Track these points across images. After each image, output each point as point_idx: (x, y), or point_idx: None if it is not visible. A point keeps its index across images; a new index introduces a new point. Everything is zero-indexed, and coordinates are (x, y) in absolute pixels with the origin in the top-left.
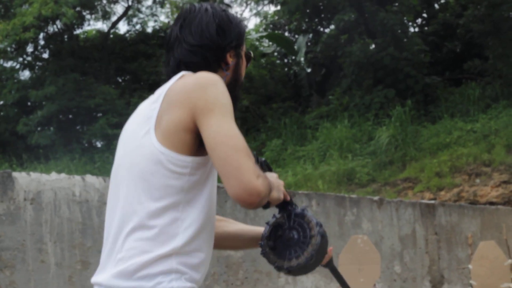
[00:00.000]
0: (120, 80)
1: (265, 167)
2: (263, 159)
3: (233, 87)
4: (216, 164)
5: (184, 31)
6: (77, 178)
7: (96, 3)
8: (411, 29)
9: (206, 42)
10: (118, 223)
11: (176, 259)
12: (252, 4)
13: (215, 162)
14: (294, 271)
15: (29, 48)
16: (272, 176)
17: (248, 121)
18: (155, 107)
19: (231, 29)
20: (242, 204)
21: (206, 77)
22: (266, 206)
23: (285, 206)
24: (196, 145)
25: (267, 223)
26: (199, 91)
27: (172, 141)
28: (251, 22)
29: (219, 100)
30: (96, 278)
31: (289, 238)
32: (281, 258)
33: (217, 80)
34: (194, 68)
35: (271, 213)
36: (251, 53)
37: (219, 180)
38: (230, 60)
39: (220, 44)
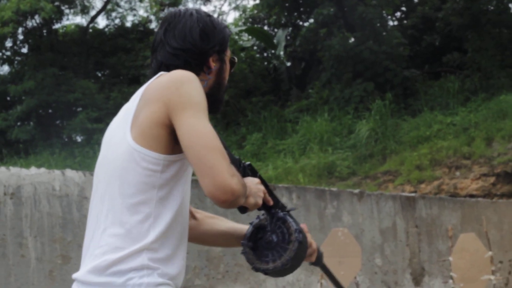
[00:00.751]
0: (99, 75)
1: (248, 171)
2: (247, 163)
3: (216, 90)
4: (191, 163)
5: (168, 35)
6: (57, 172)
7: None
8: (390, 23)
9: (189, 46)
10: (96, 219)
11: (147, 255)
12: None
13: (190, 160)
14: (271, 274)
15: (8, 43)
16: (253, 181)
17: (228, 115)
18: (132, 105)
19: (214, 34)
20: (216, 202)
21: (180, 74)
22: (243, 210)
23: (268, 208)
24: (171, 141)
25: (251, 223)
26: (173, 87)
27: (146, 138)
28: (230, 16)
29: (193, 97)
30: (75, 274)
31: (268, 241)
32: (259, 260)
33: (191, 77)
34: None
35: (255, 212)
36: (235, 58)
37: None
38: (213, 65)
39: (203, 48)
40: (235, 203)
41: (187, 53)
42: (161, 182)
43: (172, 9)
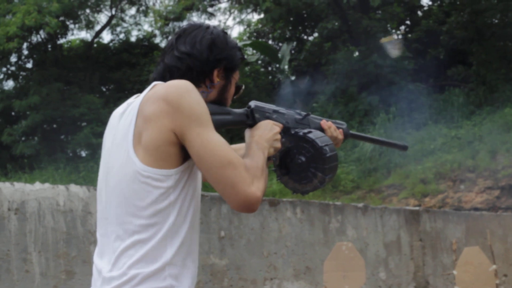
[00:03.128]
0: (104, 89)
1: (256, 114)
2: (253, 105)
3: None
4: (211, 183)
5: (179, 40)
6: (61, 187)
7: (79, 13)
8: (395, 36)
9: (195, 52)
10: (110, 242)
11: (169, 271)
12: (236, 12)
13: (209, 181)
14: (315, 190)
15: (13, 58)
16: (266, 128)
17: (232, 129)
18: (130, 122)
19: (224, 49)
20: (246, 212)
21: (176, 85)
22: (268, 159)
23: (287, 131)
24: (181, 154)
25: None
26: (173, 102)
27: (156, 158)
28: (235, 31)
29: (195, 110)
30: None
31: (299, 163)
32: (298, 183)
33: (188, 87)
34: (178, 76)
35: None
36: (243, 86)
37: (202, 189)
38: (217, 80)
39: (208, 57)
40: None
41: (192, 58)
42: (176, 196)
43: (191, 21)
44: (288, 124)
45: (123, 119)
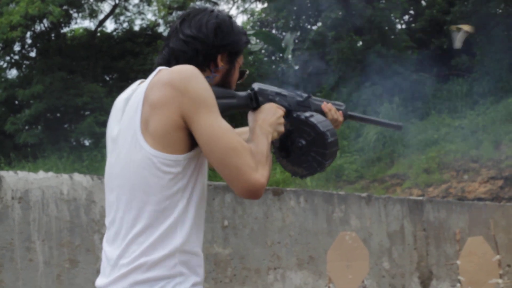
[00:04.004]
0: (107, 78)
1: (259, 96)
2: (256, 88)
3: None
4: (215, 167)
5: (184, 24)
6: (65, 176)
7: (83, 1)
8: (398, 26)
9: (201, 36)
10: (119, 229)
11: (179, 258)
12: (239, 1)
13: (214, 166)
14: (314, 174)
15: (16, 47)
16: (269, 111)
17: (236, 118)
18: (136, 109)
19: (230, 34)
20: (250, 198)
21: (182, 70)
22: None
23: (289, 114)
24: (189, 139)
25: None
26: (180, 87)
27: (164, 143)
28: (238, 20)
29: (201, 95)
30: (99, 282)
31: (299, 147)
32: (299, 166)
33: (194, 72)
34: (183, 60)
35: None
36: (247, 71)
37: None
38: (221, 64)
39: (214, 42)
40: (264, 188)
41: (197, 41)
42: (185, 182)
43: (195, 4)
44: (290, 106)
45: (129, 106)
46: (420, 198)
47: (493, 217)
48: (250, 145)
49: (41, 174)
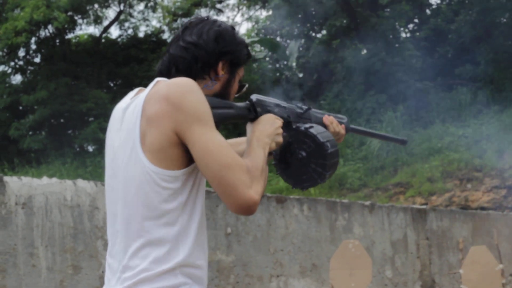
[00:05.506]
0: (112, 85)
1: (258, 108)
2: (254, 99)
3: None
4: (210, 183)
5: (186, 32)
6: (69, 182)
7: (88, 8)
8: (403, 35)
9: (201, 42)
10: (121, 242)
11: (182, 271)
12: (244, 9)
13: (209, 181)
14: (314, 185)
15: (21, 53)
16: (267, 122)
17: (239, 126)
18: (135, 122)
19: (231, 43)
20: (243, 215)
21: (178, 83)
22: (269, 155)
23: (289, 125)
24: (185, 155)
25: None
26: (175, 101)
27: (161, 158)
28: (243, 27)
29: (197, 109)
30: None
31: (299, 158)
32: (298, 178)
33: (191, 85)
34: (183, 66)
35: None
36: (246, 85)
37: (208, 185)
38: (221, 72)
39: (214, 49)
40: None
41: (198, 48)
42: (185, 197)
43: (199, 15)
44: (290, 118)
45: (127, 117)
46: (424, 206)
47: (496, 226)
48: (246, 160)
49: (45, 180)
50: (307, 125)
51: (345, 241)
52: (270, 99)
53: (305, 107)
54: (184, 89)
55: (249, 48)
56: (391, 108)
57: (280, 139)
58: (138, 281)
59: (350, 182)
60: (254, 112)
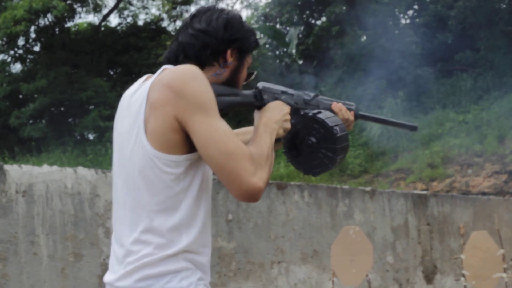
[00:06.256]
0: (111, 73)
1: (264, 95)
2: (261, 87)
3: None
4: (214, 171)
5: (194, 19)
6: (69, 170)
7: None
8: (403, 21)
9: (210, 29)
10: (124, 226)
11: (185, 257)
12: None
13: (212, 169)
14: (326, 171)
15: (20, 41)
16: (275, 108)
17: (240, 113)
18: (140, 108)
19: (240, 30)
20: (248, 202)
21: (183, 70)
22: (278, 140)
23: (296, 112)
24: (188, 142)
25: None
26: (178, 88)
27: (162, 143)
28: (242, 14)
29: (200, 96)
30: (107, 278)
31: (309, 145)
32: (309, 164)
33: (195, 72)
34: (192, 53)
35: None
36: (255, 72)
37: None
38: (230, 59)
39: (223, 36)
40: (262, 193)
41: (207, 35)
42: (188, 183)
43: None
44: (297, 105)
45: (133, 103)
46: (424, 192)
47: (497, 212)
48: (250, 147)
49: (45, 168)
50: (315, 111)
51: (346, 227)
52: (276, 86)
53: (312, 94)
54: (188, 76)
55: (256, 36)
56: (391, 95)
57: (288, 125)
58: (141, 265)
59: (351, 168)
60: (260, 100)
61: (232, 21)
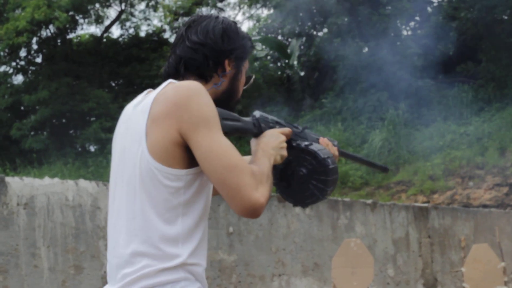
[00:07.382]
0: (113, 84)
1: (262, 124)
2: (258, 115)
3: (226, 98)
4: (215, 186)
5: (190, 31)
6: (70, 182)
7: (89, 7)
8: (404, 32)
9: (209, 42)
10: (123, 239)
11: (184, 269)
12: (245, 7)
13: (214, 184)
14: (314, 203)
15: (22, 53)
16: (272, 136)
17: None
18: (142, 121)
19: (236, 39)
20: (249, 217)
21: (187, 86)
22: (275, 167)
23: (289, 143)
24: (189, 156)
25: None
26: (181, 103)
27: (163, 156)
28: (244, 26)
29: (203, 112)
30: None
31: (300, 176)
32: (299, 195)
33: (199, 89)
34: (193, 67)
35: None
36: (253, 76)
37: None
38: (228, 69)
39: (221, 47)
40: (264, 208)
41: (206, 48)
42: (188, 197)
43: (199, 11)
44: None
45: (135, 115)
46: (425, 205)
47: (498, 224)
48: (251, 165)
49: (47, 180)
50: (306, 142)
51: (347, 239)
52: (270, 117)
53: (301, 127)
54: (192, 92)
55: (251, 40)
56: (393, 106)
57: (284, 152)
58: (139, 277)
59: (352, 181)
60: (258, 127)
61: (228, 30)
